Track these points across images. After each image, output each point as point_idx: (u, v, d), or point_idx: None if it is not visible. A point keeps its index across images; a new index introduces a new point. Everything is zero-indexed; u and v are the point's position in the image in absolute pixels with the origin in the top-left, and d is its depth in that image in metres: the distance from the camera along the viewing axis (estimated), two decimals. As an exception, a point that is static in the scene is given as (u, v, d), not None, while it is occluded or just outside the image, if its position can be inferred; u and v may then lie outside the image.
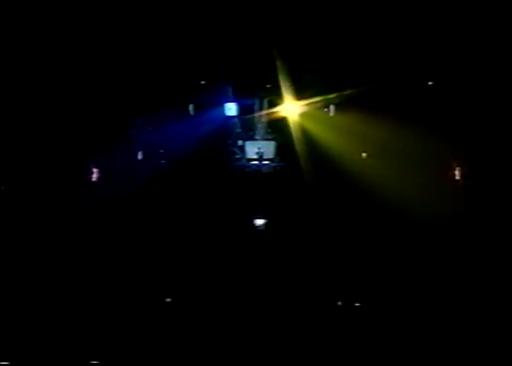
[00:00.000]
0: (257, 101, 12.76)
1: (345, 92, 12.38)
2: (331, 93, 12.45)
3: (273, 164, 12.87)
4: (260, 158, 12.84)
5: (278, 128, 12.82)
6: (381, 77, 12.38)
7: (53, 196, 12.37)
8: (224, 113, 12.76)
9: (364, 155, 12.61)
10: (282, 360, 11.80)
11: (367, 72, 12.37)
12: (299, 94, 12.53)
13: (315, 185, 12.62)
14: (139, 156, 12.72)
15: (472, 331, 11.77)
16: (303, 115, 12.67)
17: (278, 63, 12.34)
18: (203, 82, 12.63)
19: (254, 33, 12.26)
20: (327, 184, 12.59)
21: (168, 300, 12.51)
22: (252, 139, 12.91)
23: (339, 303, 12.53)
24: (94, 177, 12.57)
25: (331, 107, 12.63)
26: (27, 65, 12.14)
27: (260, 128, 12.84)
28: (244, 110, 12.78)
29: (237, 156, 12.92)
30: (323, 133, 12.57)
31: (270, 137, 12.89)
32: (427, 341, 11.82)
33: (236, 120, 12.86)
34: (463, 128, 12.29)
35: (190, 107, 12.72)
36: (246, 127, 12.91)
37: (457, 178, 12.59)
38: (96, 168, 12.55)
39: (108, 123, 12.45)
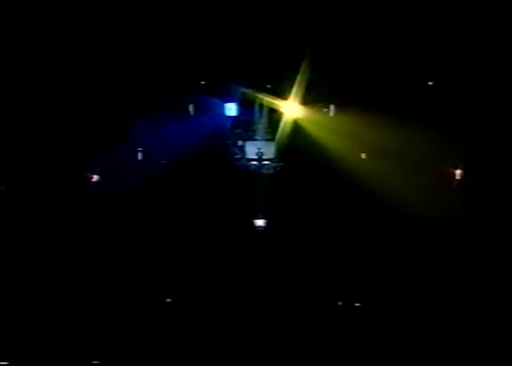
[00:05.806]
0: (257, 101, 12.75)
1: (345, 92, 12.38)
2: (331, 93, 12.44)
3: (273, 164, 12.86)
4: (260, 158, 12.83)
5: (278, 128, 12.80)
6: (381, 77, 12.37)
7: (53, 196, 12.40)
8: (224, 113, 12.77)
9: (364, 155, 12.59)
10: (282, 360, 11.82)
11: (367, 72, 12.36)
12: (299, 94, 12.51)
13: (315, 185, 12.63)
14: (139, 157, 12.73)
15: (472, 331, 11.79)
16: (303, 115, 12.66)
17: (278, 63, 12.35)
18: (203, 82, 12.63)
19: (253, 33, 12.26)
20: (327, 184, 12.59)
21: (168, 300, 12.53)
22: (252, 139, 12.91)
23: (339, 303, 12.54)
24: (94, 177, 12.58)
25: (331, 107, 12.62)
26: (27, 66, 12.15)
27: (260, 128, 12.83)
28: (244, 110, 12.77)
29: (237, 156, 12.92)
30: (323, 133, 12.55)
31: (270, 137, 12.88)
32: (427, 341, 11.84)
33: (236, 120, 12.85)
34: (464, 128, 12.28)
35: (190, 107, 12.71)
36: (246, 127, 12.91)
37: (457, 178, 12.57)
38: (96, 168, 12.56)
39: (108, 124, 12.46)
